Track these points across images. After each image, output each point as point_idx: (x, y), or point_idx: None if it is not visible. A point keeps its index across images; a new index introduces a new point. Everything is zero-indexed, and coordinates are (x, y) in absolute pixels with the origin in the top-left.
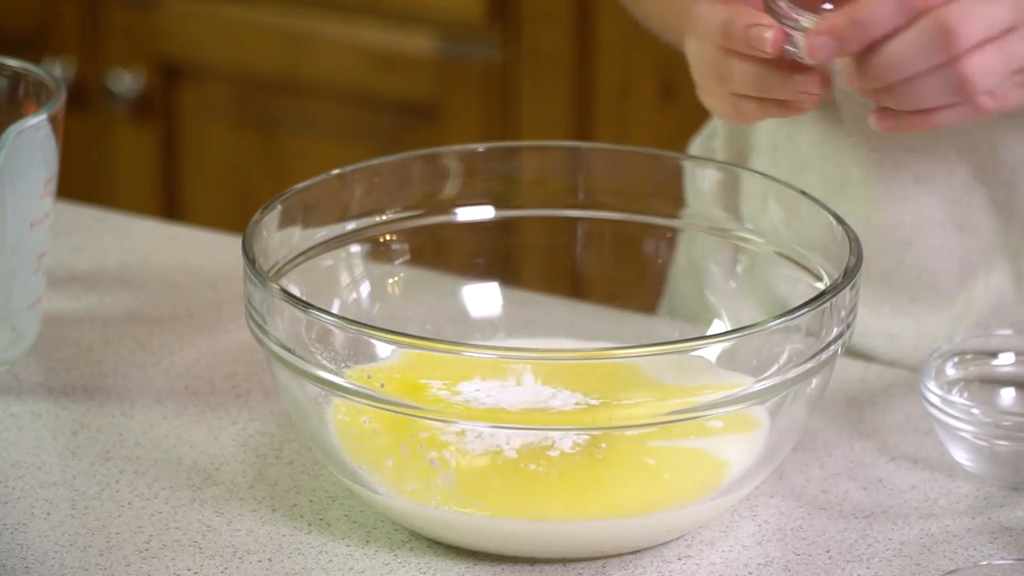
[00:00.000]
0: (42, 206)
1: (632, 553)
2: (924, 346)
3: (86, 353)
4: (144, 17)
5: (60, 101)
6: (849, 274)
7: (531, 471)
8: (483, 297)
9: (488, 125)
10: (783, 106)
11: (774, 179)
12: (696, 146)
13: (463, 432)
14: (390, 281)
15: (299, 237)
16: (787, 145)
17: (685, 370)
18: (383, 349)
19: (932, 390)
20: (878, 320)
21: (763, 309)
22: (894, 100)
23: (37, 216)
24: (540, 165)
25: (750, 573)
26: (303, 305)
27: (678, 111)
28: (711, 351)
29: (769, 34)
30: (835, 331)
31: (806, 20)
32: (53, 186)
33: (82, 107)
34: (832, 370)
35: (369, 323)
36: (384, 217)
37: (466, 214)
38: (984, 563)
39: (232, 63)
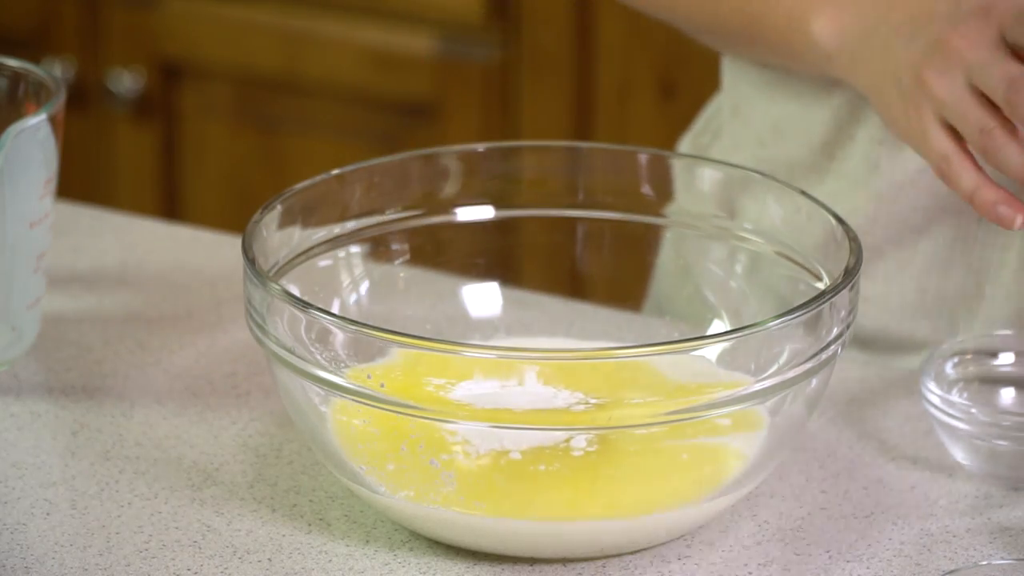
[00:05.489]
0: (42, 206)
1: (632, 553)
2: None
3: (86, 353)
4: (144, 17)
5: (60, 101)
6: (849, 274)
7: (530, 471)
8: (483, 297)
9: (488, 125)
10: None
11: (774, 178)
12: (686, 144)
13: (463, 432)
14: (390, 281)
15: (299, 237)
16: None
17: (685, 370)
18: (383, 349)
19: (932, 390)
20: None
21: (763, 309)
22: None
23: (37, 216)
24: (540, 165)
25: (750, 573)
26: (303, 305)
27: (678, 111)
28: (711, 351)
29: None
30: (835, 331)
31: None
32: (53, 186)
33: (82, 107)
34: (832, 370)
35: (369, 323)
36: (384, 217)
37: (466, 214)
38: (984, 563)
39: (232, 63)
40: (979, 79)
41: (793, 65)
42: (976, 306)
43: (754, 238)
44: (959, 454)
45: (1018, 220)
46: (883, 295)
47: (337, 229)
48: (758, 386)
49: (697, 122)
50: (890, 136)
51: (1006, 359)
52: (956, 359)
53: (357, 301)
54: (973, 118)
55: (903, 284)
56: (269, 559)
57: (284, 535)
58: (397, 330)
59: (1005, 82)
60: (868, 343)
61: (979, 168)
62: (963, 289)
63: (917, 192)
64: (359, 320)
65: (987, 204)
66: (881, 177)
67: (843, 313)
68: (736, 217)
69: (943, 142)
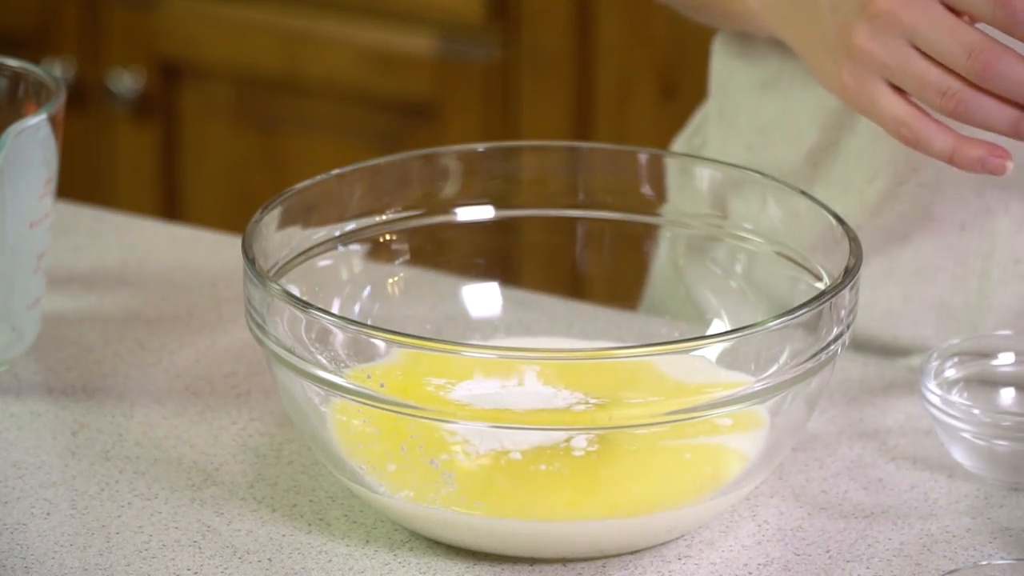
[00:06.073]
0: (42, 206)
1: (632, 553)
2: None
3: (86, 353)
4: (144, 17)
5: (60, 101)
6: (849, 274)
7: (530, 471)
8: (483, 297)
9: (488, 125)
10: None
11: (773, 178)
12: (679, 146)
13: (463, 432)
14: (390, 281)
15: (299, 237)
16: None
17: (685, 370)
18: (383, 349)
19: (932, 390)
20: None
21: (763, 309)
22: None
23: (37, 216)
24: (540, 165)
25: (750, 573)
26: (303, 305)
27: (678, 111)
28: (711, 351)
29: None
30: (835, 331)
31: None
32: (53, 186)
33: (82, 107)
34: (832, 370)
35: (369, 323)
36: (384, 217)
37: (466, 214)
38: (984, 563)
39: (232, 63)
40: (924, 43)
41: (740, 27)
42: (961, 313)
43: (754, 238)
44: (959, 454)
45: (1009, 166)
46: (868, 302)
47: (337, 229)
48: (758, 386)
49: (688, 125)
50: (884, 145)
51: (1006, 359)
52: (956, 359)
53: (357, 301)
54: (931, 81)
55: (888, 291)
56: (269, 559)
57: (284, 535)
58: (397, 330)
59: (963, 48)
60: (856, 348)
61: (945, 126)
62: (947, 296)
63: (901, 202)
64: (359, 320)
65: (972, 161)
66: (878, 184)
67: (843, 313)
68: (734, 217)
69: (897, 106)
